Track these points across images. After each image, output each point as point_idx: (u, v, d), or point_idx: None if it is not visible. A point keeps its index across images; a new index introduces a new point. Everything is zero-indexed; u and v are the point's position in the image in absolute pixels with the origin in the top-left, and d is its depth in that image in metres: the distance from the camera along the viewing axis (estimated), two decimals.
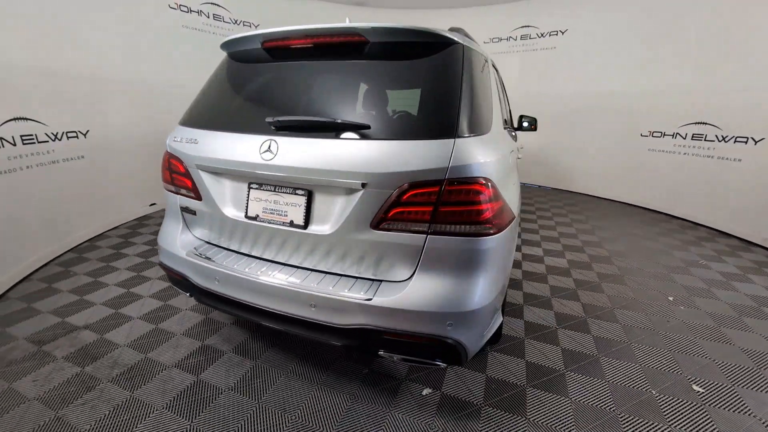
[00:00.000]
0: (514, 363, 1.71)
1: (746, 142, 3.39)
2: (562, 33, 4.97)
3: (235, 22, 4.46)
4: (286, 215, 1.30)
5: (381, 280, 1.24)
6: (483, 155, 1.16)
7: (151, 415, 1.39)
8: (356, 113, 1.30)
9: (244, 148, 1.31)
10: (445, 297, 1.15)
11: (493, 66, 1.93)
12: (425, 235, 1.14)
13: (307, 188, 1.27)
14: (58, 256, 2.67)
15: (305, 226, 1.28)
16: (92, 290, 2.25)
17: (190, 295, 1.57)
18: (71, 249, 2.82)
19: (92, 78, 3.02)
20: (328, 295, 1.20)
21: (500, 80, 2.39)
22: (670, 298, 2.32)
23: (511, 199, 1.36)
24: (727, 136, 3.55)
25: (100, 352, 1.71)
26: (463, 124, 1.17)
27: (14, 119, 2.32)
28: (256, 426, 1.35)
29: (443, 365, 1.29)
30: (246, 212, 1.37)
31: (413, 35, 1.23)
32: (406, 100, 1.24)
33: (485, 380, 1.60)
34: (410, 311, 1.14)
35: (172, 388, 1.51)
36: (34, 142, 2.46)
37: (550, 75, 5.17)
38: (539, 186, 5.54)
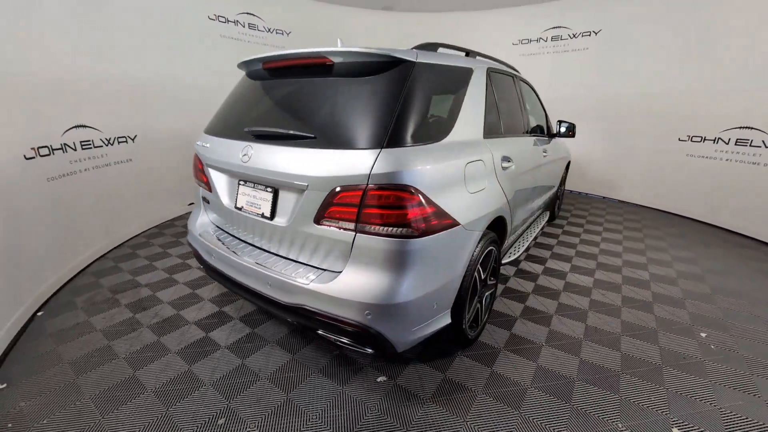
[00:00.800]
0: (478, 369, 1.73)
1: None
2: (596, 33, 4.81)
3: (269, 30, 4.69)
4: (260, 208, 1.58)
5: (324, 269, 1.44)
6: (414, 164, 1.30)
7: (164, 357, 1.82)
8: (314, 125, 1.48)
9: (232, 152, 1.63)
10: (366, 289, 1.29)
11: (496, 74, 2.10)
12: (354, 233, 1.31)
13: (274, 187, 1.52)
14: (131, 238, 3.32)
15: (271, 218, 1.54)
16: (158, 260, 2.83)
17: (201, 268, 2.02)
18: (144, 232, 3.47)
19: (140, 86, 3.31)
20: (278, 276, 1.46)
21: (515, 87, 2.41)
22: None
23: (461, 205, 1.48)
24: None
25: (149, 305, 2.26)
26: (397, 135, 1.31)
27: (75, 126, 2.70)
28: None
29: (371, 351, 1.44)
30: (235, 203, 1.69)
31: (366, 56, 1.42)
32: (353, 114, 1.42)
33: (441, 379, 1.68)
34: (336, 297, 1.32)
35: (188, 339, 1.97)
36: (91, 147, 2.82)
37: (583, 77, 5.00)
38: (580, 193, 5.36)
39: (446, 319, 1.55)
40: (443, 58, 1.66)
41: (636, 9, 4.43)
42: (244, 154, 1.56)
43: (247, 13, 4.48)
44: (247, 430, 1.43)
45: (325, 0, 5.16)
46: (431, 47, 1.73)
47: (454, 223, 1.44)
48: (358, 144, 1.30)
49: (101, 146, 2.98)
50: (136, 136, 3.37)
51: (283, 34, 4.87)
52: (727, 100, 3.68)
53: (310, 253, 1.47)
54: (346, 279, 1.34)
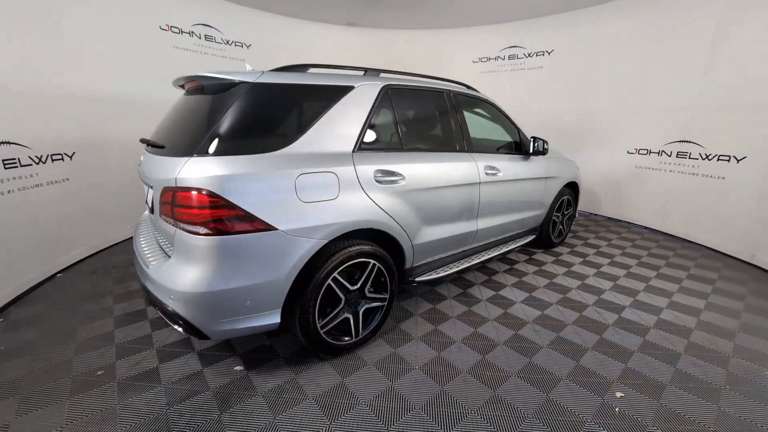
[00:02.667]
0: (331, 375, 1.82)
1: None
2: (548, 53, 5.10)
3: (227, 42, 4.52)
4: (149, 203, 1.91)
5: (168, 257, 1.67)
6: (217, 170, 1.47)
7: None
8: (169, 135, 1.79)
9: (141, 159, 2.05)
10: (173, 276, 1.54)
11: (405, 91, 2.23)
12: (174, 227, 1.55)
13: (149, 185, 1.81)
14: None
15: (152, 212, 1.87)
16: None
17: None
18: None
19: (80, 98, 3.05)
20: (144, 258, 1.77)
21: (447, 104, 2.45)
22: None
23: (282, 212, 1.59)
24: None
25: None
26: (210, 145, 1.53)
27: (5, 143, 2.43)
28: None
29: (181, 330, 1.60)
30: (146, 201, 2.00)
31: (213, 80, 1.70)
32: (188, 127, 1.75)
33: (287, 380, 1.80)
34: (155, 280, 1.60)
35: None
36: (17, 166, 2.49)
37: (539, 94, 5.29)
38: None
39: (273, 319, 1.68)
40: (298, 78, 1.83)
41: (585, 31, 4.77)
42: (141, 161, 2.02)
43: (204, 24, 4.29)
44: None
45: (288, 14, 5.08)
46: (301, 68, 1.93)
47: (269, 228, 1.56)
48: (178, 153, 1.58)
49: (30, 164, 2.63)
50: (74, 153, 3.04)
51: (242, 46, 4.72)
52: (669, 117, 4.06)
53: (164, 242, 1.79)
54: (166, 266, 1.60)
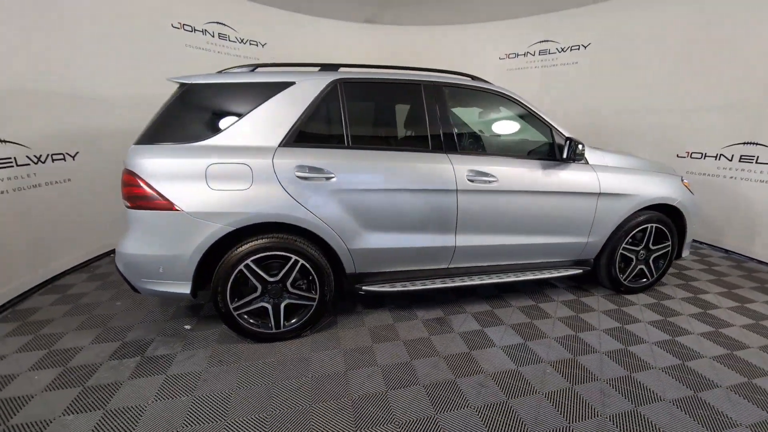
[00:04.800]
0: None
1: None
2: (585, 47, 4.64)
3: (241, 41, 4.44)
4: None
5: None
6: (143, 156, 1.81)
7: None
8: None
9: None
10: (120, 239, 1.91)
11: (363, 85, 2.17)
12: None
13: None
14: None
15: None
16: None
17: None
18: None
19: (83, 97, 3.03)
20: None
21: (423, 99, 2.18)
22: None
23: (191, 197, 1.81)
24: None
25: None
26: (147, 135, 1.88)
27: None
28: None
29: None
30: None
31: (176, 81, 1.98)
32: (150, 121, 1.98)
33: (236, 347, 2.08)
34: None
35: None
36: (13, 166, 2.50)
37: (573, 92, 4.79)
38: None
39: (184, 289, 1.92)
40: (237, 77, 1.99)
41: (625, 21, 4.25)
42: None
43: (217, 23, 4.22)
44: None
45: (304, 11, 4.93)
46: (247, 68, 2.09)
47: (173, 208, 1.79)
48: (135, 142, 1.88)
49: (27, 164, 2.64)
50: (77, 153, 3.05)
51: (257, 45, 4.62)
52: (729, 116, 3.51)
53: None
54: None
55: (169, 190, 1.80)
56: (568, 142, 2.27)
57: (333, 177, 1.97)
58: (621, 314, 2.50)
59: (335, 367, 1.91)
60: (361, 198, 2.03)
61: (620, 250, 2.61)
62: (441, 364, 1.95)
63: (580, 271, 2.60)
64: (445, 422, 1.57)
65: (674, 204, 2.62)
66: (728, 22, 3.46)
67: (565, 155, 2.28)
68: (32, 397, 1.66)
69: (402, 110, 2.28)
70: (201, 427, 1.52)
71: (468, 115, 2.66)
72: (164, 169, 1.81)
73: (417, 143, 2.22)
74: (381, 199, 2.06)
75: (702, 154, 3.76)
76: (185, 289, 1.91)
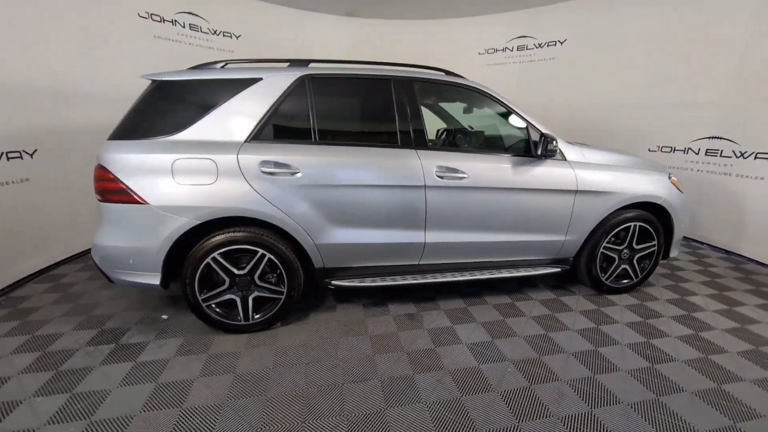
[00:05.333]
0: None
1: None
2: (561, 43, 4.70)
3: (214, 32, 4.28)
4: None
5: None
6: (112, 152, 1.89)
7: None
8: None
9: None
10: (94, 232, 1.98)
11: (332, 81, 2.17)
12: None
13: None
14: None
15: None
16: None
17: None
18: None
19: (50, 93, 2.86)
20: None
21: (392, 95, 2.17)
22: None
23: (157, 191, 1.86)
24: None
25: None
26: (118, 131, 1.96)
27: None
28: None
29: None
30: None
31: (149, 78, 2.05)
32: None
33: (206, 338, 2.20)
34: None
35: None
36: None
37: (550, 88, 4.84)
38: None
39: (154, 280, 1.97)
40: (205, 73, 2.04)
41: (600, 18, 4.32)
42: None
43: (188, 13, 4.06)
44: None
45: (282, 3, 4.76)
46: (215, 64, 2.17)
47: (141, 202, 1.85)
48: (108, 137, 1.97)
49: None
50: (35, 151, 2.83)
51: (231, 36, 4.46)
52: (697, 112, 3.68)
53: None
54: None
55: (137, 184, 1.86)
56: (542, 138, 2.21)
57: (298, 173, 1.99)
58: (599, 315, 2.45)
59: (298, 359, 1.95)
60: (326, 193, 2.05)
61: (601, 249, 2.54)
62: (403, 359, 1.96)
63: (558, 270, 2.55)
64: (393, 416, 1.58)
65: (659, 202, 2.53)
66: (695, 22, 3.59)
67: (539, 151, 2.23)
68: (8, 379, 1.76)
69: (372, 106, 2.27)
70: (159, 412, 1.58)
71: (440, 111, 2.64)
72: (132, 164, 1.87)
73: (386, 139, 2.21)
74: (347, 195, 2.07)
75: (671, 148, 3.91)
76: (155, 280, 1.98)
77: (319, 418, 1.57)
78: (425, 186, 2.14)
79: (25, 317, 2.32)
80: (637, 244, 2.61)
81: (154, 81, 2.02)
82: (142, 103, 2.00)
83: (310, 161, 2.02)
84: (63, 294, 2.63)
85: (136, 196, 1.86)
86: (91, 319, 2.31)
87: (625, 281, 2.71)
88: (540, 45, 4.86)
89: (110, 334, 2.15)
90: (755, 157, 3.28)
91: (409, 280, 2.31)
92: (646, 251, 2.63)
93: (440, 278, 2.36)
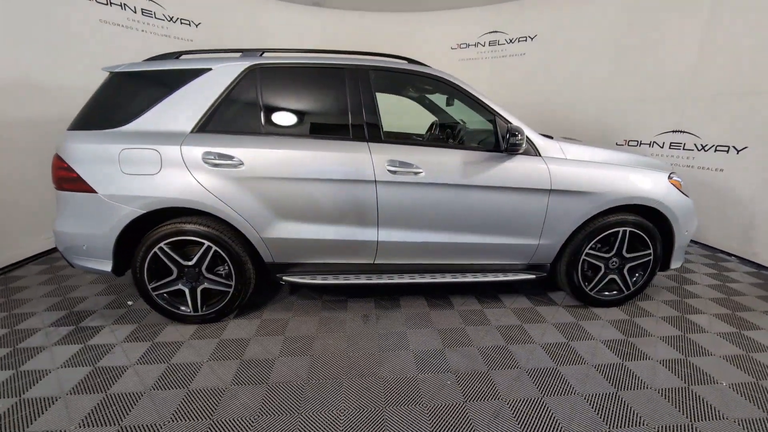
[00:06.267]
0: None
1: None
2: (531, 39, 4.76)
3: (171, 19, 4.00)
4: None
5: None
6: (68, 142, 1.97)
7: None
8: None
9: None
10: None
11: (282, 71, 2.11)
12: None
13: None
14: None
15: None
16: None
17: None
18: None
19: None
20: None
21: (346, 85, 2.09)
22: None
23: (106, 180, 1.93)
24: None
25: None
26: (78, 121, 2.04)
27: None
28: None
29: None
30: None
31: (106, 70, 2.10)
32: None
33: (158, 327, 2.26)
34: None
35: None
36: None
37: (521, 83, 4.88)
38: None
39: (106, 266, 2.05)
40: (158, 65, 2.07)
41: (568, 15, 4.42)
42: None
43: None
44: None
45: None
46: (171, 56, 2.19)
47: (91, 190, 1.93)
48: (68, 127, 2.05)
49: None
50: None
51: (190, 24, 4.20)
52: (661, 106, 3.80)
53: None
54: None
55: (87, 173, 1.93)
56: (507, 131, 2.00)
57: (242, 165, 1.96)
58: (575, 329, 2.20)
59: (237, 354, 1.94)
60: (272, 187, 2.00)
61: (583, 256, 2.28)
62: (340, 363, 1.87)
63: (533, 277, 2.32)
64: (301, 420, 1.50)
65: (653, 205, 2.22)
66: (657, 17, 3.74)
67: (502, 146, 2.02)
68: None
69: (324, 96, 2.17)
70: (84, 396, 1.62)
71: (399, 102, 2.48)
72: (84, 154, 1.95)
73: (338, 131, 2.12)
74: (294, 189, 2.01)
75: (638, 141, 4.03)
76: (107, 266, 2.05)
77: (232, 417, 1.53)
78: (376, 181, 2.02)
79: (11, 296, 2.50)
80: (628, 251, 2.31)
81: (110, 72, 2.07)
82: (99, 94, 2.06)
83: (255, 153, 1.98)
84: (53, 276, 2.82)
85: (86, 185, 1.93)
86: (66, 301, 2.45)
87: (615, 293, 2.41)
88: (511, 40, 4.92)
89: (75, 317, 2.26)
90: (715, 150, 3.40)
91: (363, 280, 2.22)
92: (640, 260, 2.33)
93: (397, 279, 2.24)
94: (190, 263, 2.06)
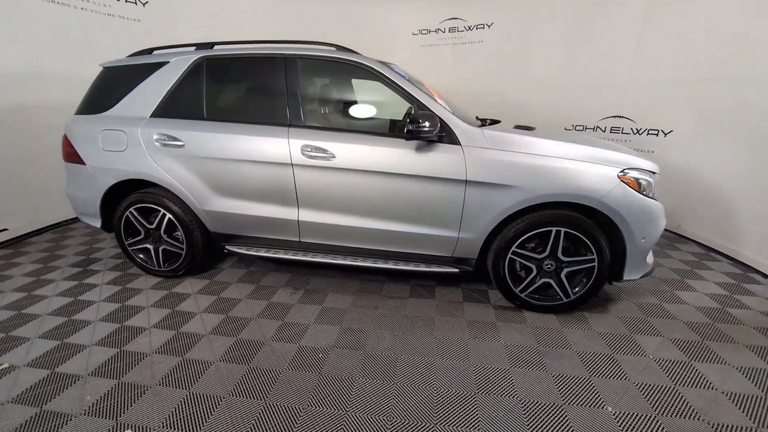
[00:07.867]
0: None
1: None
2: (489, 26, 4.82)
3: (139, 1, 3.85)
4: None
5: None
6: (72, 123, 2.54)
7: None
8: None
9: None
10: None
11: (227, 62, 2.37)
12: None
13: None
14: None
15: None
16: None
17: None
18: None
19: None
20: None
21: (284, 75, 2.23)
22: None
23: (93, 155, 2.45)
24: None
25: None
26: (81, 107, 2.58)
27: None
28: None
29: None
30: None
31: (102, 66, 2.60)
32: None
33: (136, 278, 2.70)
34: None
35: None
36: None
37: (478, 71, 4.93)
38: None
39: (96, 223, 2.63)
40: (137, 59, 2.50)
41: (521, 5, 4.51)
42: None
43: None
44: None
45: None
46: (146, 52, 2.58)
47: (82, 162, 2.47)
48: (75, 112, 2.60)
49: None
50: None
51: (136, 3, 3.90)
52: (604, 92, 4.05)
53: None
54: None
55: (81, 149, 2.47)
56: (408, 118, 1.96)
57: (183, 144, 2.29)
58: (486, 329, 2.09)
59: (175, 305, 2.32)
60: (207, 165, 2.29)
61: (511, 255, 2.12)
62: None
63: (456, 270, 2.25)
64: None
65: (590, 204, 1.96)
66: (602, 11, 3.96)
67: (407, 130, 1.95)
68: None
69: (258, 85, 2.38)
70: (53, 318, 2.16)
71: (323, 88, 2.55)
72: (80, 133, 2.49)
73: (266, 116, 2.31)
74: (224, 168, 2.28)
75: (583, 126, 4.27)
76: (97, 223, 2.62)
77: (138, 348, 1.91)
78: (292, 164, 2.18)
79: (12, 258, 3.31)
80: (566, 254, 2.08)
81: (103, 67, 2.57)
82: (94, 85, 2.59)
83: (194, 135, 2.29)
84: (58, 243, 3.37)
85: (80, 158, 2.48)
86: (90, 250, 3.16)
87: (555, 299, 2.20)
88: (470, 27, 4.95)
89: (88, 262, 2.92)
90: (647, 134, 3.75)
91: (291, 256, 2.42)
92: (581, 266, 2.08)
93: (321, 258, 2.39)
94: (152, 227, 2.50)
